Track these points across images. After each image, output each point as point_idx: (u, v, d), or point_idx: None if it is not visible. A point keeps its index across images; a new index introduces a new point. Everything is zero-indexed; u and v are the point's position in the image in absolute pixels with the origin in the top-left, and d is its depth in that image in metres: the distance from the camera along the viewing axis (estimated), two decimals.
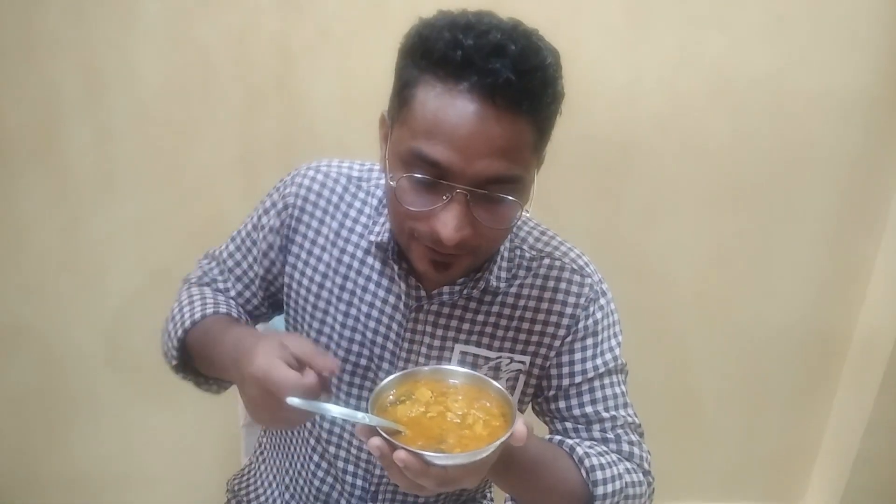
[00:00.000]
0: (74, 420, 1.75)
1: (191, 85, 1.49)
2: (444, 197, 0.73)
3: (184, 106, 1.50)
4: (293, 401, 0.66)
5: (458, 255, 0.78)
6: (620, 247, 1.71)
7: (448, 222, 0.73)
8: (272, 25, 1.46)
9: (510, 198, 0.74)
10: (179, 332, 0.92)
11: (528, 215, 0.94)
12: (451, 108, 0.70)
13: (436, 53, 0.71)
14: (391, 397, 0.72)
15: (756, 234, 1.74)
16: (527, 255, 0.92)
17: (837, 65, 1.60)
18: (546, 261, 0.92)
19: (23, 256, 1.59)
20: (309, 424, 1.01)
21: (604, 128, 1.59)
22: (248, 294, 1.02)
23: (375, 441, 0.65)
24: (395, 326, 0.91)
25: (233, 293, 1.01)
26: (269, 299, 1.03)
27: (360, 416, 0.66)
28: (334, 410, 0.66)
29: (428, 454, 0.62)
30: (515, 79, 0.69)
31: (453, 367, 0.77)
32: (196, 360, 0.94)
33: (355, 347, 0.93)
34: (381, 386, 0.72)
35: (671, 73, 1.57)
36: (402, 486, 0.67)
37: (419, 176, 0.73)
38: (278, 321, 1.09)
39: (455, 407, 0.72)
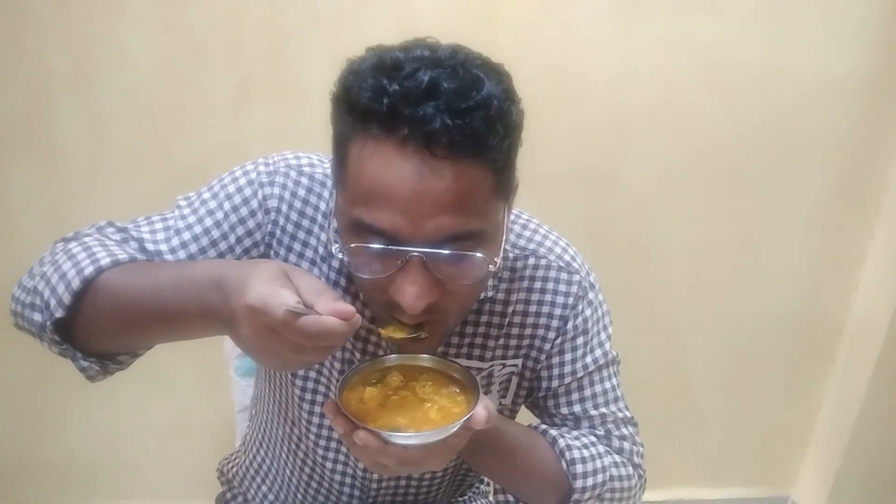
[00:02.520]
0: (67, 406, 1.74)
1: (182, 69, 1.48)
2: (399, 262, 0.65)
3: (175, 90, 1.49)
4: (289, 304, 0.58)
5: (433, 322, 0.71)
6: (613, 232, 1.71)
7: (408, 291, 0.65)
8: (263, 9, 1.45)
9: (474, 255, 0.66)
10: (89, 269, 0.70)
11: (515, 211, 0.88)
12: (386, 167, 0.62)
13: (360, 106, 0.63)
14: (362, 380, 0.74)
15: (749, 220, 1.74)
16: (510, 255, 0.87)
17: (830, 50, 1.59)
18: (531, 260, 0.87)
19: (13, 242, 1.58)
20: (296, 438, 0.96)
21: (596, 113, 1.58)
22: None
23: (339, 419, 0.66)
24: (383, 343, 0.86)
25: None
26: None
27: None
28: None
29: (385, 433, 0.64)
30: (453, 122, 0.60)
31: (422, 356, 0.77)
32: (95, 317, 0.71)
33: (344, 367, 0.87)
34: (354, 368, 0.74)
35: (664, 59, 1.56)
36: (365, 463, 0.68)
37: (367, 246, 0.65)
38: None
39: (422, 392, 0.73)
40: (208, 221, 0.80)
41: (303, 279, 0.63)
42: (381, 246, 0.65)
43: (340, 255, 0.68)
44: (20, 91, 1.47)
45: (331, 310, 0.59)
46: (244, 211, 0.80)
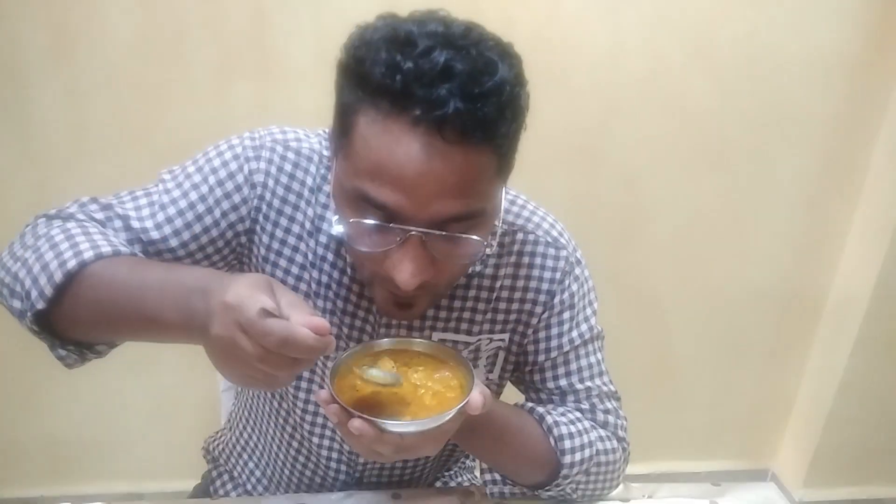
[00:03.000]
0: (51, 384, 1.73)
1: (163, 44, 1.45)
2: (398, 239, 0.65)
3: (155, 65, 1.47)
4: (265, 305, 0.56)
5: (421, 294, 0.72)
6: (599, 208, 1.71)
7: (404, 268, 0.66)
8: None
9: (472, 237, 0.67)
10: (72, 263, 0.68)
11: None
12: (396, 146, 0.61)
13: (372, 81, 0.61)
14: (354, 366, 0.71)
15: (734, 196, 1.75)
16: (498, 230, 0.86)
17: (817, 26, 1.59)
18: (519, 235, 0.88)
19: None
20: (283, 414, 0.96)
21: (583, 89, 1.57)
22: None
23: (333, 408, 0.64)
24: (371, 319, 0.85)
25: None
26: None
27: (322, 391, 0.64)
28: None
29: (380, 421, 0.63)
30: (465, 107, 0.60)
31: (416, 339, 0.76)
32: (77, 310, 0.70)
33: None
34: (346, 354, 0.71)
35: (651, 34, 1.56)
36: (360, 452, 0.68)
37: (367, 221, 0.65)
38: None
39: (415, 378, 0.72)
40: (193, 196, 0.79)
41: (286, 294, 0.61)
42: (384, 223, 0.65)
43: (339, 227, 0.68)
44: None
45: (305, 321, 0.57)
46: (230, 185, 0.79)
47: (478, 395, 0.66)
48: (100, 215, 0.78)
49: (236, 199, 0.80)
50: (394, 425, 0.64)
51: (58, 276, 0.68)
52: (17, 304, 0.71)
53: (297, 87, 1.50)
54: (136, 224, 0.78)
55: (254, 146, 0.81)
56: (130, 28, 1.43)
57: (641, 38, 1.56)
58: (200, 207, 0.79)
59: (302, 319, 0.58)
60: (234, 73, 1.48)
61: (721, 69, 1.60)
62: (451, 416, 0.65)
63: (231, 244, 0.82)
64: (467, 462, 1.17)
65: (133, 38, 1.44)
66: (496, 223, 0.71)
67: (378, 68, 0.61)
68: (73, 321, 0.71)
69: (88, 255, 0.69)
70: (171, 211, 0.79)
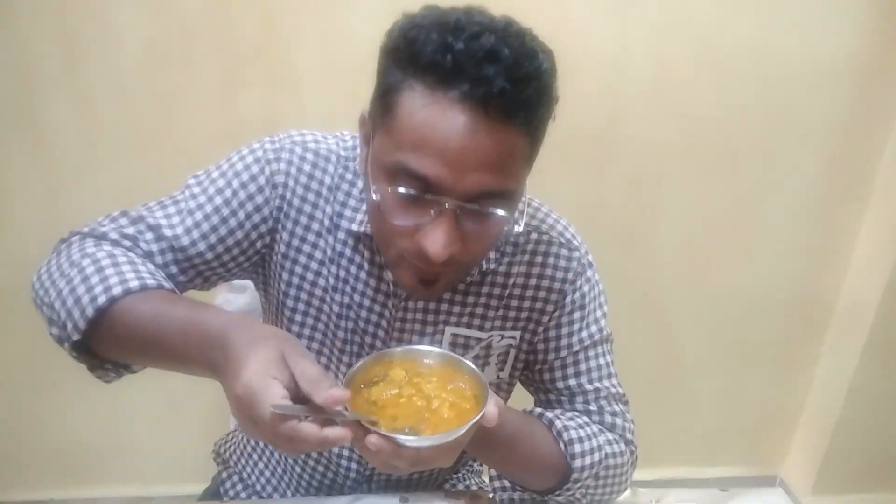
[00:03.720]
0: (61, 390, 1.75)
1: (172, 53, 1.47)
2: (432, 212, 0.69)
3: (165, 74, 1.48)
4: (277, 406, 0.58)
5: (445, 271, 0.75)
6: (606, 215, 1.71)
7: (437, 239, 0.69)
8: None
9: (501, 213, 0.70)
10: (101, 299, 0.71)
11: None
12: (441, 119, 0.65)
13: (423, 59, 0.65)
14: (366, 379, 0.72)
15: (741, 202, 1.75)
16: (524, 215, 0.90)
17: (824, 33, 1.59)
18: (534, 235, 0.90)
19: (5, 227, 1.57)
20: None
21: (590, 96, 1.58)
22: (197, 281, 0.86)
23: (349, 424, 0.64)
24: (386, 314, 0.88)
25: (173, 270, 0.82)
26: (217, 282, 0.90)
27: (333, 412, 0.62)
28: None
29: (398, 437, 0.63)
30: (510, 87, 0.64)
31: (427, 347, 0.77)
32: (109, 340, 0.74)
33: (349, 336, 0.90)
34: (356, 367, 0.71)
35: (657, 41, 1.56)
36: (377, 465, 0.68)
37: (405, 191, 0.68)
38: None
39: (428, 389, 0.72)
40: (218, 200, 0.83)
41: (300, 363, 0.62)
42: (422, 194, 0.68)
43: (376, 196, 0.71)
44: (9, 76, 1.45)
45: (325, 398, 0.59)
46: (252, 187, 0.83)
47: (493, 408, 0.67)
48: (131, 229, 0.81)
49: (259, 200, 0.83)
50: (411, 440, 0.64)
51: (89, 312, 0.71)
52: (55, 331, 0.76)
53: (305, 95, 1.51)
54: (167, 232, 0.81)
55: (274, 149, 0.84)
56: (140, 37, 1.45)
57: (648, 45, 1.56)
58: (225, 210, 0.82)
59: (320, 398, 0.59)
60: (242, 80, 1.50)
61: (728, 75, 1.60)
62: (466, 429, 0.65)
63: (255, 245, 0.86)
64: (475, 465, 1.17)
65: (143, 46, 1.45)
66: (521, 209, 0.75)
67: (430, 47, 0.65)
68: (107, 348, 0.75)
69: (117, 290, 0.72)
70: (199, 216, 0.82)
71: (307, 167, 0.84)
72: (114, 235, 0.80)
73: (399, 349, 0.76)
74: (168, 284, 0.77)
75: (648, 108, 1.62)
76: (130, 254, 0.78)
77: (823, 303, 1.90)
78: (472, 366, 0.73)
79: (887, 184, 1.73)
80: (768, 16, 1.56)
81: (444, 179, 0.67)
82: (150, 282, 0.74)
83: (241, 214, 0.83)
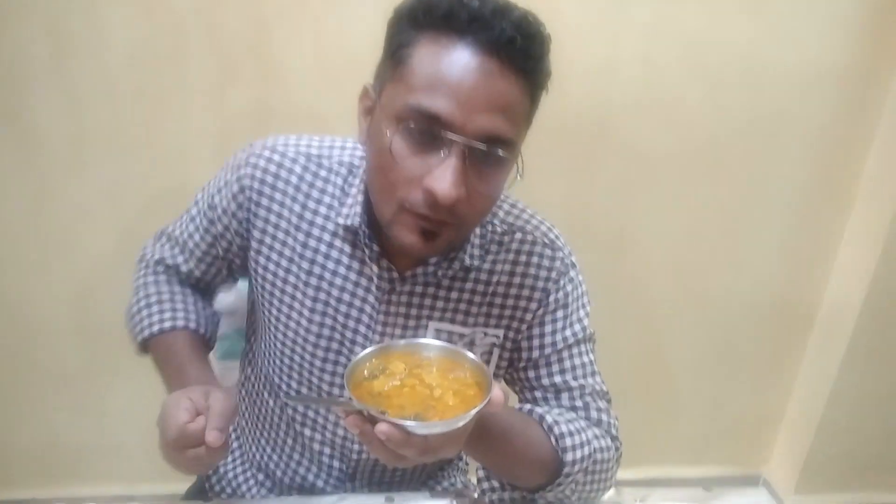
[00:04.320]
0: (45, 390, 1.74)
1: (162, 52, 1.46)
2: (442, 153, 0.71)
3: (155, 73, 1.47)
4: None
5: (446, 224, 0.75)
6: (595, 218, 1.73)
7: (446, 178, 0.70)
8: None
9: (504, 155, 0.73)
10: (139, 337, 0.97)
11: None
12: (454, 59, 0.69)
13: (438, 12, 0.70)
14: (366, 372, 0.72)
15: (728, 206, 1.77)
16: (498, 229, 0.91)
17: (812, 39, 1.61)
18: (518, 235, 0.91)
19: None
20: (278, 410, 1.00)
21: (579, 99, 1.59)
22: (213, 271, 1.01)
23: (354, 419, 0.65)
24: (367, 309, 0.90)
25: (197, 273, 1.01)
26: (234, 272, 1.02)
27: (343, 401, 0.64)
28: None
29: (409, 424, 0.63)
30: (520, 39, 0.69)
31: (428, 340, 0.77)
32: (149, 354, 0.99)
33: (326, 332, 0.91)
34: (356, 360, 0.71)
35: (647, 45, 1.57)
36: (384, 458, 0.67)
37: (416, 127, 0.71)
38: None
39: (429, 378, 0.72)
40: (208, 212, 0.96)
41: (217, 398, 0.77)
42: (431, 130, 0.70)
43: (387, 139, 0.73)
44: None
45: (208, 433, 0.74)
46: (228, 195, 0.92)
47: (499, 392, 0.67)
48: (167, 248, 1.02)
49: (233, 206, 0.92)
50: (420, 427, 0.63)
51: (139, 339, 0.98)
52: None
53: (296, 95, 1.51)
54: (179, 238, 1.01)
55: (246, 155, 0.91)
56: (131, 35, 1.44)
57: (639, 49, 1.57)
58: (212, 215, 0.94)
59: (207, 431, 0.74)
60: (233, 80, 1.49)
61: (717, 80, 1.62)
62: (474, 414, 0.65)
63: (236, 241, 0.95)
64: (460, 464, 1.18)
65: (133, 45, 1.45)
66: (516, 176, 0.79)
67: (445, 3, 0.70)
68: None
69: (155, 328, 0.96)
70: (197, 220, 0.97)
71: (273, 167, 0.89)
72: (159, 268, 1.03)
73: (401, 342, 0.77)
74: (182, 320, 0.97)
75: (638, 112, 1.63)
76: (167, 288, 1.01)
77: (807, 306, 1.92)
78: (473, 356, 0.73)
79: (870, 188, 1.75)
80: (757, 22, 1.58)
81: (456, 117, 0.69)
82: (167, 325, 0.96)
83: (225, 220, 0.93)
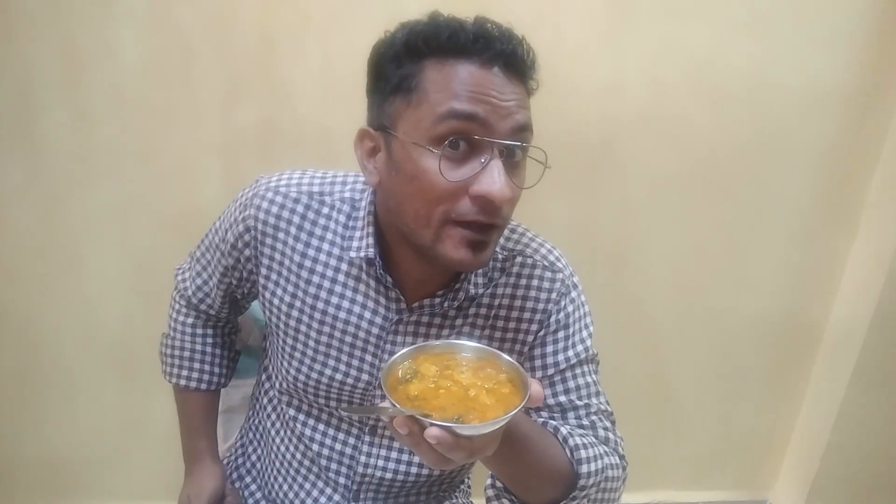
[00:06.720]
0: (50, 403, 1.73)
1: (170, 68, 1.48)
2: (482, 159, 0.75)
3: (163, 89, 1.49)
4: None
5: (494, 228, 0.79)
6: (599, 237, 1.72)
7: (496, 179, 0.74)
8: (252, 9, 1.45)
9: (539, 148, 0.79)
10: (164, 374, 1.13)
11: None
12: (470, 71, 0.74)
13: (442, 36, 0.74)
14: (399, 373, 0.71)
15: (733, 225, 1.76)
16: (499, 256, 0.92)
17: (817, 59, 1.62)
18: (518, 259, 0.93)
19: (1, 240, 1.57)
20: (291, 423, 1.02)
21: (584, 119, 1.59)
22: (232, 297, 1.05)
23: (403, 422, 0.64)
24: (372, 339, 0.92)
25: (224, 313, 1.09)
26: (249, 298, 1.07)
27: (389, 407, 0.64)
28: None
29: (458, 426, 0.62)
30: (519, 50, 0.76)
31: (463, 341, 0.76)
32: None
33: (331, 362, 0.94)
34: (389, 364, 0.71)
35: (652, 66, 1.58)
36: (431, 462, 0.66)
37: (454, 137, 0.74)
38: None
39: (462, 378, 0.71)
40: (220, 245, 0.99)
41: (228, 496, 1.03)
42: (472, 137, 0.74)
43: (436, 154, 0.75)
44: (7, 87, 1.45)
45: None
46: (232, 236, 0.95)
47: (538, 386, 0.67)
48: (192, 272, 1.07)
49: (239, 244, 0.95)
50: (467, 428, 0.63)
51: (163, 374, 1.13)
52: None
53: (303, 111, 1.52)
54: (208, 270, 1.05)
55: (250, 196, 0.94)
56: (139, 52, 1.46)
57: (644, 69, 1.58)
58: (221, 249, 0.98)
59: None
60: (240, 96, 1.51)
61: (720, 99, 1.63)
62: (517, 410, 0.64)
63: (245, 275, 0.98)
64: (462, 486, 1.17)
65: (142, 61, 1.46)
66: (546, 160, 0.84)
67: (444, 32, 0.75)
68: None
69: (180, 382, 1.10)
70: (212, 253, 1.02)
71: (275, 209, 0.92)
72: (188, 292, 1.08)
73: (438, 342, 0.76)
74: (205, 382, 1.11)
75: (644, 131, 1.64)
76: (190, 346, 1.10)
77: (813, 326, 1.91)
78: (504, 356, 0.73)
79: (876, 208, 1.75)
80: (762, 43, 1.59)
81: (490, 115, 0.74)
82: (199, 385, 1.10)
83: (233, 256, 0.97)
